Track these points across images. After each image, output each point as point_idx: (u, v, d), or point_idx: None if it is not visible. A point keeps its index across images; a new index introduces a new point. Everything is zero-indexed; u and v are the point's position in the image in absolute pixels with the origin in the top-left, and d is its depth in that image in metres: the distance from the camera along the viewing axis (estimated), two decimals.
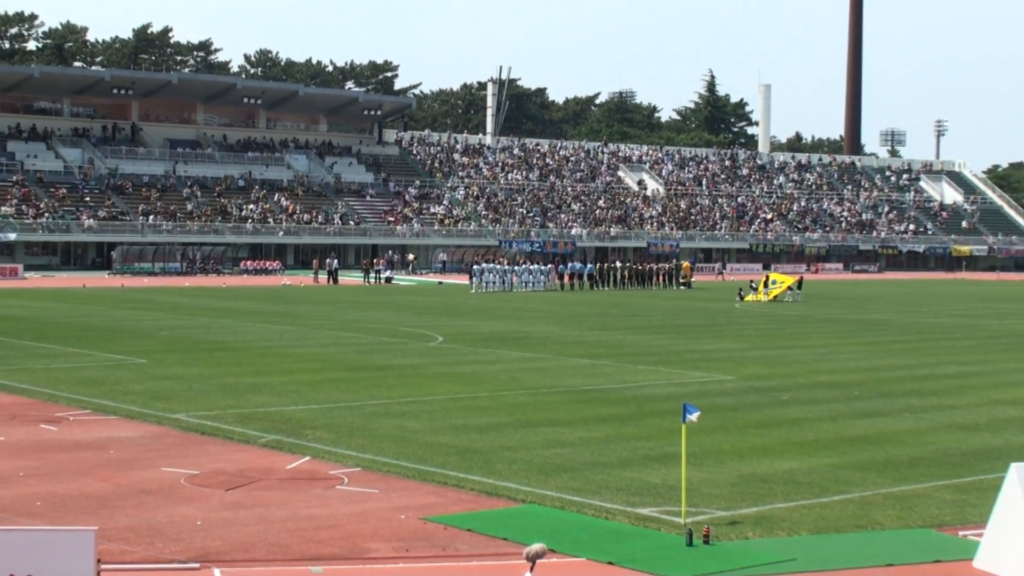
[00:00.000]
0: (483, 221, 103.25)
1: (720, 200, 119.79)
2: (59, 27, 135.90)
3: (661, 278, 75.55)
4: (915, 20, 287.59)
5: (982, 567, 12.75)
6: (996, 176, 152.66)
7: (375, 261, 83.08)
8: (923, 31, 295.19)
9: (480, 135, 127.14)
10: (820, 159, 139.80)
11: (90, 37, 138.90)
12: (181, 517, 14.29)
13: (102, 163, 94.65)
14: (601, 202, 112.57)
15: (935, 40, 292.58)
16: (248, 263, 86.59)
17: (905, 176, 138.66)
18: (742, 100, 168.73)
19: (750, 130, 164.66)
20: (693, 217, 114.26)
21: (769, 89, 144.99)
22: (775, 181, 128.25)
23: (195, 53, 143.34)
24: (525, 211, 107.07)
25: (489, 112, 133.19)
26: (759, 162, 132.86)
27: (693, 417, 14.25)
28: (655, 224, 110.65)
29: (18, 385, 24.95)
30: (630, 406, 23.46)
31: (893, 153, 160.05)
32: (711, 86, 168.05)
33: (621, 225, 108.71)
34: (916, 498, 15.90)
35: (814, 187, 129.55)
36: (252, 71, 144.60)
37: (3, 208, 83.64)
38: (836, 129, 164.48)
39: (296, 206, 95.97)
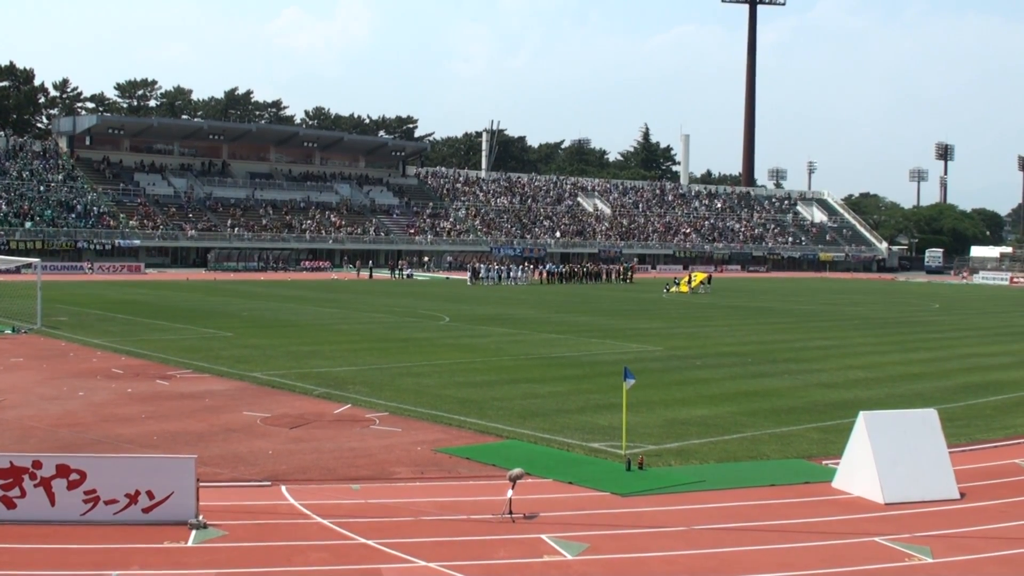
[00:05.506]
0: (479, 233, 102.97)
1: (652, 219, 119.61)
2: (172, 89, 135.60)
3: (608, 275, 75.64)
4: (794, 88, 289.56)
5: (838, 486, 12.87)
6: (851, 202, 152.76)
7: (399, 262, 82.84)
8: (800, 96, 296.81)
9: (477, 170, 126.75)
10: (724, 189, 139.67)
11: (194, 97, 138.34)
12: (257, 448, 14.30)
13: (201, 189, 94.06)
14: (565, 220, 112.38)
15: (809, 103, 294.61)
16: (306, 263, 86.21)
17: (786, 202, 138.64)
18: (668, 146, 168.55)
19: (674, 168, 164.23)
20: (632, 231, 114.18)
21: (688, 138, 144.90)
22: (692, 205, 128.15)
23: (269, 109, 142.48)
24: (509, 226, 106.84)
25: (484, 153, 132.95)
26: (680, 191, 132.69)
27: (629, 384, 14.22)
28: (604, 236, 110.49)
29: (140, 351, 24.91)
30: (585, 368, 23.51)
31: (778, 185, 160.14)
32: (646, 136, 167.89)
33: (580, 236, 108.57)
34: (792, 436, 16.00)
35: (720, 210, 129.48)
36: (311, 122, 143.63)
37: (131, 222, 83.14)
38: (736, 167, 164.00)
39: (342, 221, 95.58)
